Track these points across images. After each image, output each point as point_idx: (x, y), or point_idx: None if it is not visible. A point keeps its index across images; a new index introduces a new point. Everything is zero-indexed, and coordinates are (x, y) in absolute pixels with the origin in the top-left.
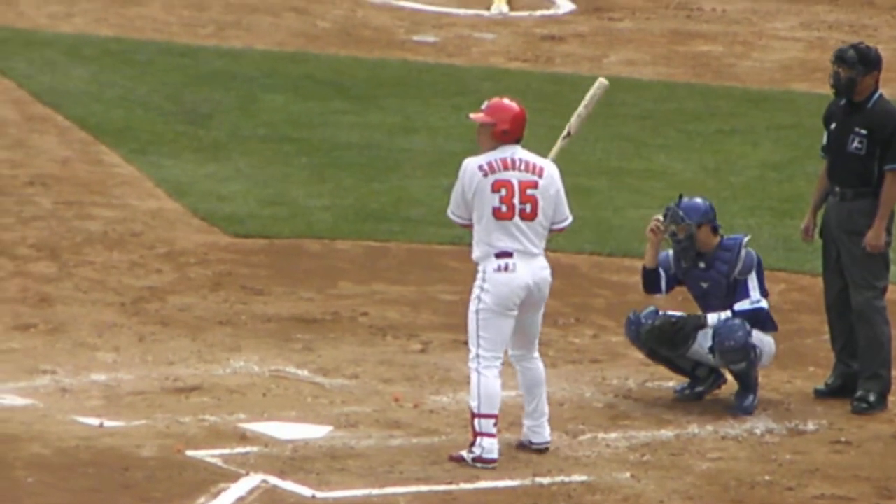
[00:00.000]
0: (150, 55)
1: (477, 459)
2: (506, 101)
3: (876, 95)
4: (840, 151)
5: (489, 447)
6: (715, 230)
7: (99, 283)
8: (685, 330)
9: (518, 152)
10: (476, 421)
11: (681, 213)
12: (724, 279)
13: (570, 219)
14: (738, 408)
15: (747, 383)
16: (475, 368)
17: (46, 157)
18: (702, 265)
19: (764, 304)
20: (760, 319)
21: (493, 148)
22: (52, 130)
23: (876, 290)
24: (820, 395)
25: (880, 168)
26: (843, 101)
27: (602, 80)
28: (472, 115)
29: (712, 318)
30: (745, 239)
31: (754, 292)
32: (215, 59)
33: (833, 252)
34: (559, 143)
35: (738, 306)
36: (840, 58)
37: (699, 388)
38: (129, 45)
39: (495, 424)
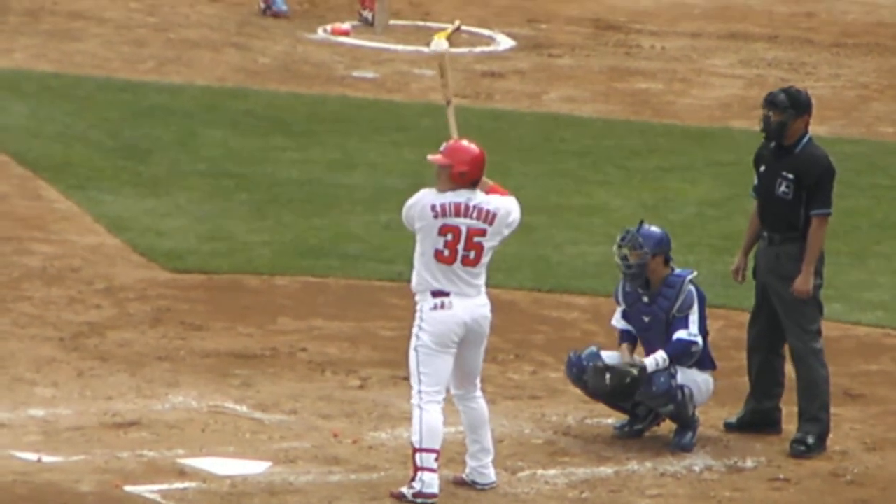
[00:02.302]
0: (89, 90)
1: (417, 495)
2: (464, 142)
3: (805, 139)
4: (768, 195)
5: (430, 482)
6: (667, 262)
7: (37, 319)
8: (637, 381)
9: (476, 198)
10: (417, 455)
11: (640, 239)
12: (665, 315)
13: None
14: (677, 445)
15: (684, 422)
16: (417, 404)
17: None
18: (645, 299)
19: (699, 339)
20: (694, 354)
21: (451, 189)
22: None
23: (810, 333)
24: (729, 428)
25: (807, 213)
26: (772, 145)
27: (438, 47)
28: (430, 157)
29: (650, 362)
30: (690, 276)
31: (693, 326)
32: (155, 94)
33: (761, 293)
34: (449, 115)
35: (677, 335)
36: (771, 101)
37: (638, 426)
38: (69, 80)
39: (436, 459)
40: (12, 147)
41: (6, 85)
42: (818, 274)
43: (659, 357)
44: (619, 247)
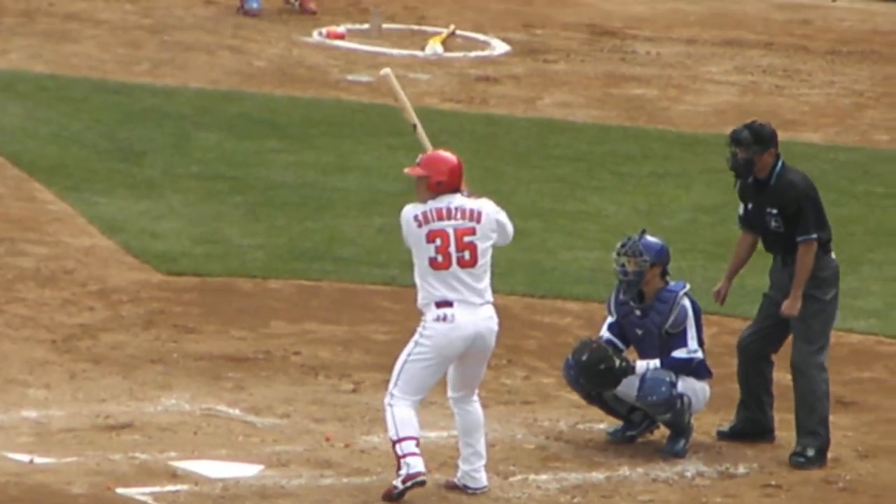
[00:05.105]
0: (84, 92)
1: (406, 478)
2: (441, 152)
3: (778, 169)
4: (765, 229)
5: (414, 463)
6: (664, 274)
7: (30, 320)
8: (612, 374)
9: (455, 200)
10: (397, 446)
11: (640, 247)
12: (657, 330)
13: (511, 232)
14: (670, 451)
15: (679, 429)
16: (388, 403)
17: None
18: (637, 313)
19: (699, 354)
20: (694, 368)
21: (431, 198)
22: None
23: (814, 346)
24: (722, 436)
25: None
26: (749, 180)
27: (383, 72)
28: (406, 170)
29: (640, 365)
30: (682, 291)
31: (692, 342)
32: (149, 96)
33: (768, 307)
34: (420, 138)
35: (676, 353)
36: (735, 139)
37: (631, 432)
38: (64, 82)
39: (417, 445)
40: (7, 148)
41: (1, 86)
42: (832, 285)
43: (651, 364)
44: (619, 253)
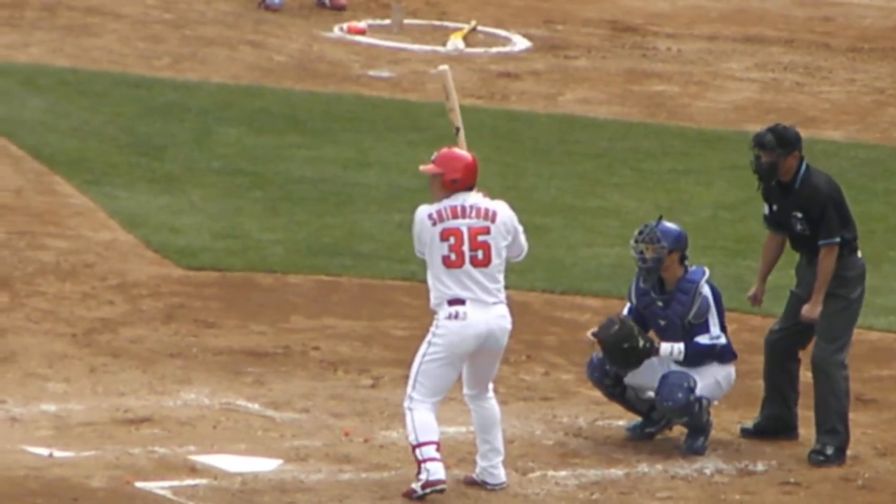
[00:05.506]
0: (105, 86)
1: (425, 485)
2: (456, 150)
3: (802, 172)
4: (791, 231)
5: (434, 470)
6: (682, 260)
7: (50, 314)
8: (635, 353)
9: (470, 199)
10: (417, 451)
11: (658, 234)
12: (680, 321)
13: (526, 249)
14: (689, 448)
15: (697, 428)
16: (407, 406)
17: None
18: (660, 304)
19: (722, 339)
20: (718, 353)
21: (446, 196)
22: (6, 160)
23: (835, 344)
24: (746, 433)
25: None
26: (773, 182)
27: (441, 68)
28: (421, 167)
29: (665, 348)
30: (704, 278)
31: (714, 328)
32: (170, 91)
33: (795, 304)
34: (461, 141)
35: (699, 339)
36: (759, 143)
37: (650, 429)
38: (85, 75)
39: (437, 449)
40: (28, 142)
41: (23, 80)
42: (857, 285)
43: (676, 347)
44: (637, 241)
